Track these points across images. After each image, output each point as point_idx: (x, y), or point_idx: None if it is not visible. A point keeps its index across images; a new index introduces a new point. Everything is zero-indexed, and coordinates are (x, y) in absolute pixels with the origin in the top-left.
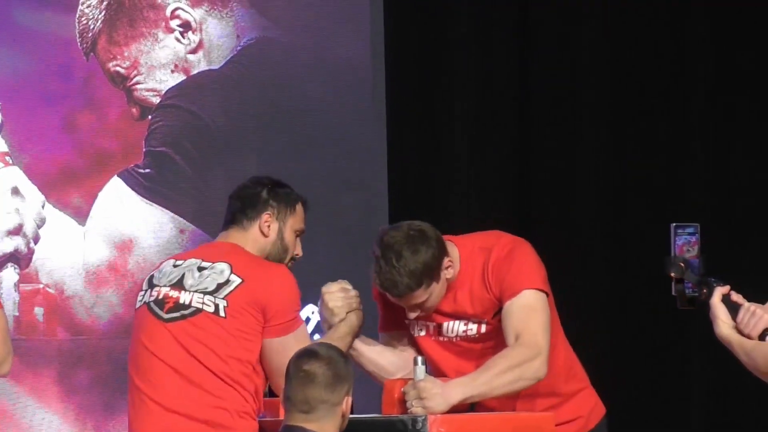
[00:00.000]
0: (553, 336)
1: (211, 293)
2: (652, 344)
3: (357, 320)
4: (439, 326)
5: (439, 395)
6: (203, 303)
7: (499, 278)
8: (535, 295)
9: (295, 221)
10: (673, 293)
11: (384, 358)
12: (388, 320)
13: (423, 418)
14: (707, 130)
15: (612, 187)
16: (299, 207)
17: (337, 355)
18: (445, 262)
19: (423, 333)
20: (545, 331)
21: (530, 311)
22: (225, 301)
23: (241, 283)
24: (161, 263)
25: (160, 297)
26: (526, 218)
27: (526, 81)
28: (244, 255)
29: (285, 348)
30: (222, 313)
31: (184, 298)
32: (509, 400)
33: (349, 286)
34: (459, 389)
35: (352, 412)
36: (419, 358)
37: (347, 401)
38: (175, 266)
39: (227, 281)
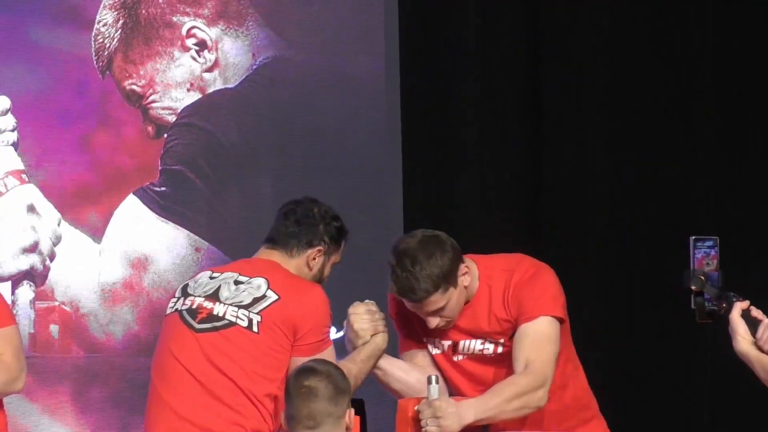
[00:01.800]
0: (570, 362)
1: (245, 307)
2: (665, 353)
3: (382, 342)
4: (455, 344)
5: (454, 414)
6: (237, 317)
7: (517, 300)
8: (551, 323)
9: (337, 257)
10: (693, 306)
11: (411, 376)
12: (408, 339)
13: None
14: (723, 140)
15: (625, 195)
16: (344, 243)
17: (334, 369)
18: (462, 267)
19: (438, 351)
20: (553, 362)
21: (543, 340)
22: (259, 317)
23: (277, 300)
24: (197, 273)
25: (194, 306)
26: (540, 239)
27: (539, 96)
28: (282, 272)
29: (295, 366)
30: (255, 329)
31: (218, 309)
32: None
33: (375, 308)
34: (472, 411)
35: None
36: (433, 377)
37: (350, 414)
38: (211, 278)
39: (263, 296)
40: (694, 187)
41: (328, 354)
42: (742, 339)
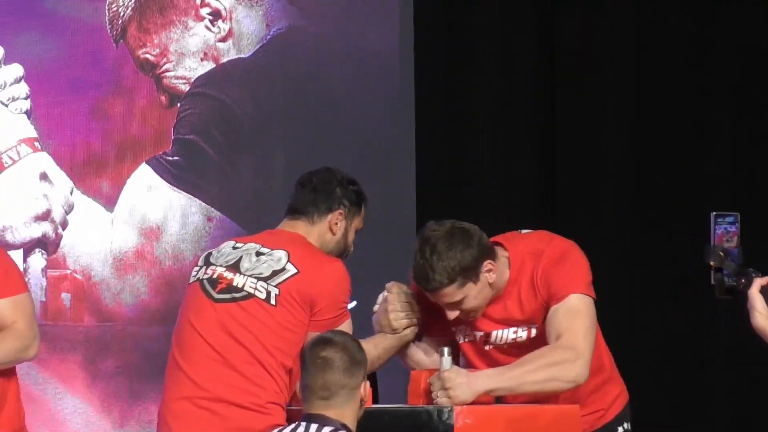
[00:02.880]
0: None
1: (264, 279)
2: (683, 333)
3: (411, 336)
4: (488, 335)
5: (464, 384)
6: (255, 288)
7: (547, 282)
8: (581, 299)
9: (359, 221)
10: (712, 282)
11: (430, 358)
12: (433, 325)
13: (449, 408)
14: (741, 119)
15: (643, 177)
16: (364, 207)
17: (351, 340)
18: (486, 264)
19: (468, 339)
20: (588, 336)
21: (575, 315)
22: (277, 290)
23: (296, 273)
24: (222, 243)
25: (214, 276)
26: (551, 209)
27: (553, 72)
28: (304, 245)
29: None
30: (273, 302)
31: (238, 281)
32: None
33: (413, 298)
34: (484, 380)
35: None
36: (446, 349)
37: (365, 386)
38: (234, 248)
39: (283, 269)
40: (716, 163)
41: (345, 328)
42: (760, 314)
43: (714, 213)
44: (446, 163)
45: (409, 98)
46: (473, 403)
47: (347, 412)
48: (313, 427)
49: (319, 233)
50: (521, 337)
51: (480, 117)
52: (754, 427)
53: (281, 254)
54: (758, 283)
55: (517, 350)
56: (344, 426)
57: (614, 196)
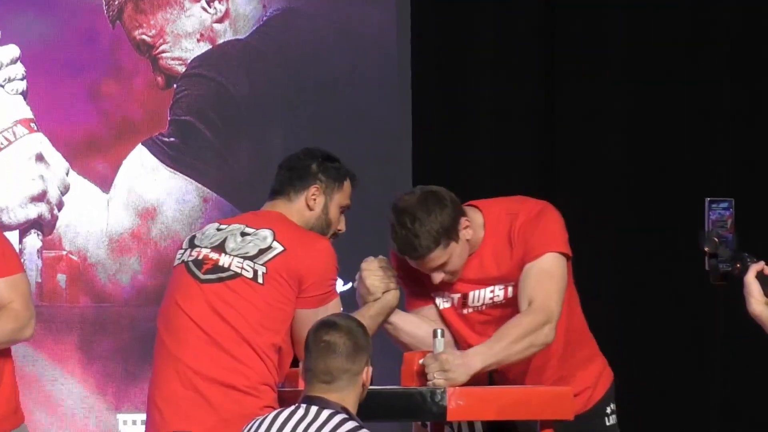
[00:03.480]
0: (566, 302)
1: (251, 258)
2: (676, 321)
3: (393, 299)
4: (465, 296)
5: (461, 365)
6: (242, 268)
7: (523, 239)
8: (555, 259)
9: (341, 197)
10: (707, 268)
11: (421, 329)
12: (415, 297)
13: (442, 390)
14: (737, 105)
15: (640, 163)
16: (347, 183)
17: (356, 325)
18: (463, 222)
19: (448, 305)
20: (558, 297)
21: (547, 276)
22: (264, 268)
23: (282, 251)
24: (204, 225)
25: (200, 257)
26: (550, 192)
27: (552, 55)
28: (288, 224)
29: (312, 321)
30: (260, 280)
31: (224, 261)
32: (520, 371)
33: (388, 264)
34: (479, 358)
35: (370, 384)
36: (438, 331)
37: (367, 371)
38: (218, 229)
39: (269, 247)
40: (712, 149)
41: (334, 306)
42: (756, 301)
43: (708, 199)
44: (443, 145)
45: (405, 80)
46: (464, 384)
47: (349, 397)
48: (313, 409)
49: (298, 210)
50: (498, 296)
51: (478, 99)
52: (748, 413)
53: (266, 233)
54: (754, 269)
55: (494, 312)
56: (345, 409)
57: (612, 183)
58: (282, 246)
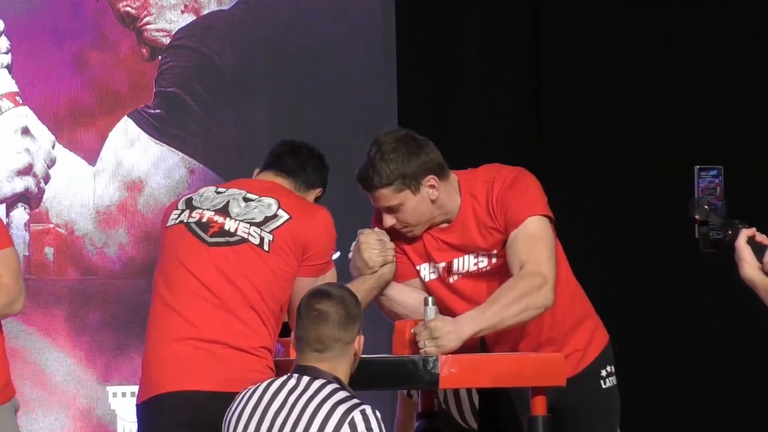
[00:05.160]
0: (557, 264)
1: (257, 225)
2: (666, 290)
3: (389, 274)
4: (449, 264)
5: (452, 332)
6: (249, 233)
7: (503, 208)
8: (539, 222)
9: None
10: (696, 236)
11: (413, 299)
12: (401, 270)
13: (434, 358)
14: (723, 71)
15: (627, 132)
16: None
17: (348, 294)
18: (429, 179)
19: (434, 276)
20: (550, 259)
21: (534, 240)
22: (271, 236)
23: (288, 219)
24: (198, 188)
25: (204, 220)
26: (539, 165)
27: (539, 25)
28: (291, 194)
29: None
30: (266, 248)
31: (230, 225)
32: (511, 337)
33: (387, 238)
34: (469, 324)
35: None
36: (429, 299)
37: (359, 340)
38: (218, 192)
39: (275, 215)
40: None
41: (330, 276)
42: (748, 265)
43: (697, 167)
44: (429, 115)
45: (391, 49)
46: (457, 351)
47: (341, 366)
48: (305, 379)
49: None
50: (482, 262)
51: (464, 68)
52: (738, 381)
53: (270, 201)
54: (745, 234)
55: (481, 280)
56: (336, 379)
57: (601, 152)
58: (288, 214)
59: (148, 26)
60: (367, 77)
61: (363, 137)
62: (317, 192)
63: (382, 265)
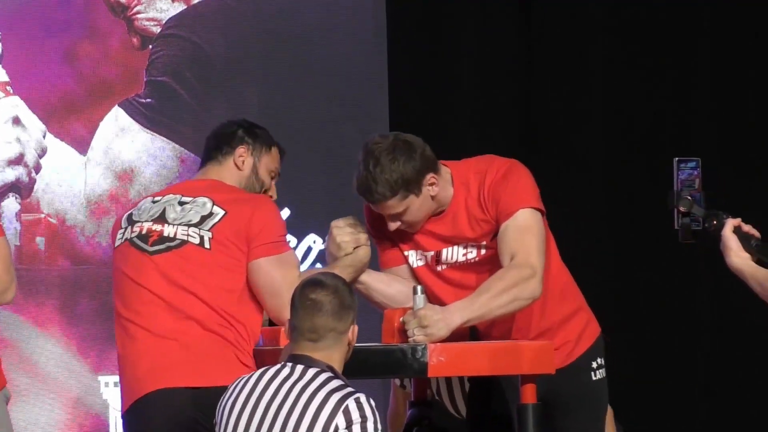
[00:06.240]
0: (547, 256)
1: (195, 225)
2: (654, 279)
3: (364, 255)
4: (438, 254)
5: (440, 320)
6: (188, 235)
7: (494, 200)
8: (530, 214)
9: (270, 161)
10: (676, 227)
11: (392, 288)
12: (387, 256)
13: (423, 346)
14: (722, 71)
15: (626, 131)
16: (275, 149)
17: (342, 284)
18: (429, 177)
19: (422, 263)
20: (539, 251)
21: (525, 231)
22: (210, 233)
23: (224, 215)
24: (138, 201)
25: (143, 232)
26: (531, 149)
27: (530, 10)
28: (224, 188)
29: (271, 268)
30: (207, 245)
31: (168, 231)
32: (503, 328)
33: (359, 222)
34: (458, 313)
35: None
36: (418, 287)
37: (353, 330)
38: (154, 202)
39: (210, 213)
40: (681, 111)
41: (289, 258)
42: (735, 254)
43: (677, 159)
44: (420, 102)
45: (381, 36)
46: (446, 340)
47: (335, 355)
48: (299, 368)
49: (228, 170)
50: (471, 253)
51: (455, 54)
52: (737, 380)
53: (204, 200)
54: (731, 223)
55: (469, 270)
56: (330, 368)
57: (601, 152)
58: (223, 210)
59: (138, 15)
60: (358, 65)
61: (354, 122)
62: (242, 150)
63: (356, 247)
